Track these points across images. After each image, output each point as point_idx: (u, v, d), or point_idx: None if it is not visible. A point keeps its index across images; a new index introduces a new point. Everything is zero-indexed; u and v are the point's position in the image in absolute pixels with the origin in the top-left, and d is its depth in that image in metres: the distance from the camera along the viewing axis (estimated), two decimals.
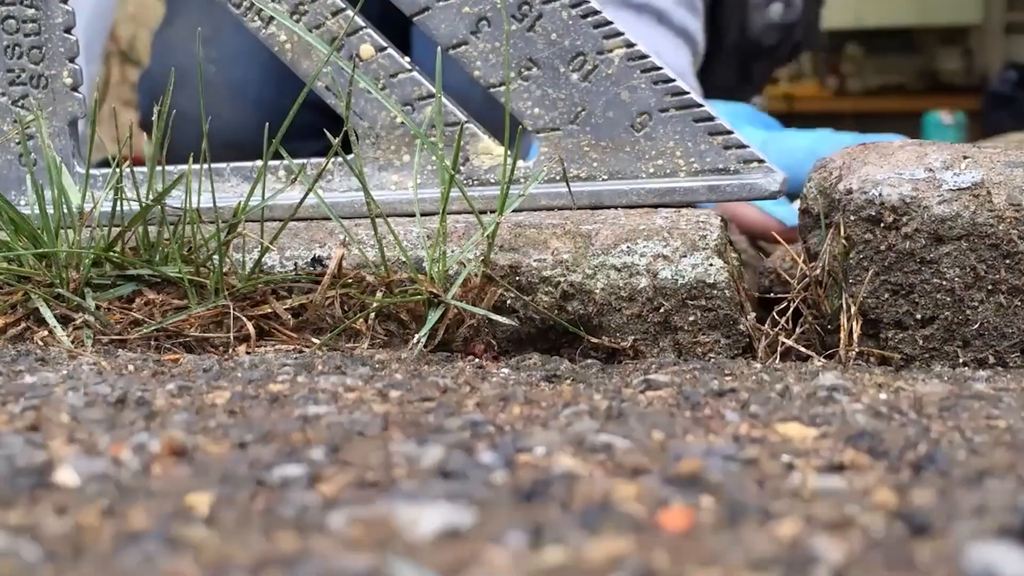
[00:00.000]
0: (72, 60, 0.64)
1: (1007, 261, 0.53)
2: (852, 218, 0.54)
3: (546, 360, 0.54)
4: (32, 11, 0.64)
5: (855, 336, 0.54)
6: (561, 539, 0.28)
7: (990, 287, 0.53)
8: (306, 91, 0.57)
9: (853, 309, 0.55)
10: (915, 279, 0.54)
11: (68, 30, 0.64)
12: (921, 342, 0.54)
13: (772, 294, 0.60)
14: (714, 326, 0.55)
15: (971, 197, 0.53)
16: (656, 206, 0.62)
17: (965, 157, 0.54)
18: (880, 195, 0.54)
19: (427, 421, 0.40)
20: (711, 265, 0.55)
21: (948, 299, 0.54)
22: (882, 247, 0.54)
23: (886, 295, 0.54)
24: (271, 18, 0.63)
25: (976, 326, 0.54)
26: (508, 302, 0.55)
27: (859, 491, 0.32)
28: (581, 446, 0.37)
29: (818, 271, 0.56)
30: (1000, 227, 0.52)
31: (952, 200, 0.53)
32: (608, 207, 0.62)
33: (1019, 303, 0.53)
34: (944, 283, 0.53)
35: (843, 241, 0.55)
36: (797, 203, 0.61)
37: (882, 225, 0.54)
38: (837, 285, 0.56)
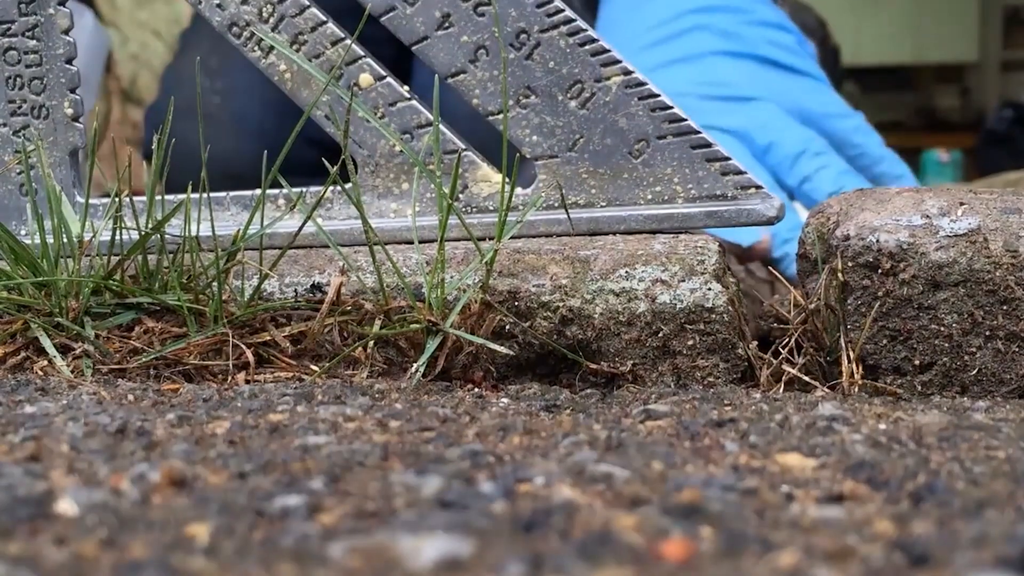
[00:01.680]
0: (73, 91, 0.65)
1: (1004, 307, 0.53)
2: (850, 264, 0.55)
3: (545, 390, 0.54)
4: (34, 43, 0.64)
5: (856, 377, 0.54)
6: (561, 569, 0.27)
7: (988, 333, 0.53)
8: (303, 120, 0.57)
9: (852, 354, 0.55)
10: (913, 325, 0.54)
11: (69, 61, 0.65)
12: (920, 387, 0.55)
13: (773, 331, 0.61)
14: (713, 350, 0.55)
15: (968, 243, 0.53)
16: (654, 232, 0.62)
17: (961, 203, 0.54)
18: (877, 241, 0.54)
19: (427, 451, 0.40)
20: (709, 289, 0.55)
21: (946, 345, 0.54)
22: (880, 293, 0.54)
23: (884, 341, 0.55)
24: (271, 48, 0.64)
25: (974, 372, 0.54)
26: (507, 327, 0.55)
27: (859, 521, 0.32)
28: (581, 476, 0.37)
29: (814, 304, 0.56)
30: (997, 273, 0.53)
31: (949, 246, 0.53)
32: (606, 233, 0.63)
33: (1016, 349, 0.53)
34: (942, 329, 0.54)
35: (839, 277, 0.55)
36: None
37: (880, 271, 0.54)
38: (835, 316, 0.56)
